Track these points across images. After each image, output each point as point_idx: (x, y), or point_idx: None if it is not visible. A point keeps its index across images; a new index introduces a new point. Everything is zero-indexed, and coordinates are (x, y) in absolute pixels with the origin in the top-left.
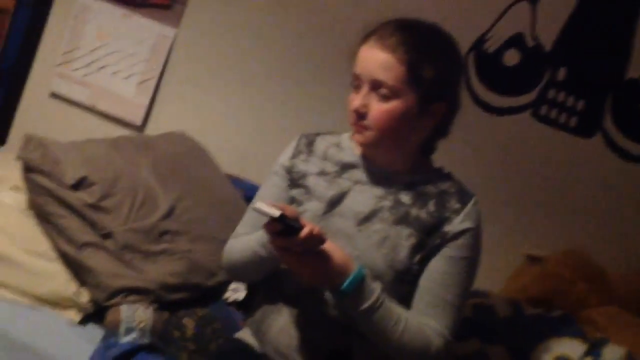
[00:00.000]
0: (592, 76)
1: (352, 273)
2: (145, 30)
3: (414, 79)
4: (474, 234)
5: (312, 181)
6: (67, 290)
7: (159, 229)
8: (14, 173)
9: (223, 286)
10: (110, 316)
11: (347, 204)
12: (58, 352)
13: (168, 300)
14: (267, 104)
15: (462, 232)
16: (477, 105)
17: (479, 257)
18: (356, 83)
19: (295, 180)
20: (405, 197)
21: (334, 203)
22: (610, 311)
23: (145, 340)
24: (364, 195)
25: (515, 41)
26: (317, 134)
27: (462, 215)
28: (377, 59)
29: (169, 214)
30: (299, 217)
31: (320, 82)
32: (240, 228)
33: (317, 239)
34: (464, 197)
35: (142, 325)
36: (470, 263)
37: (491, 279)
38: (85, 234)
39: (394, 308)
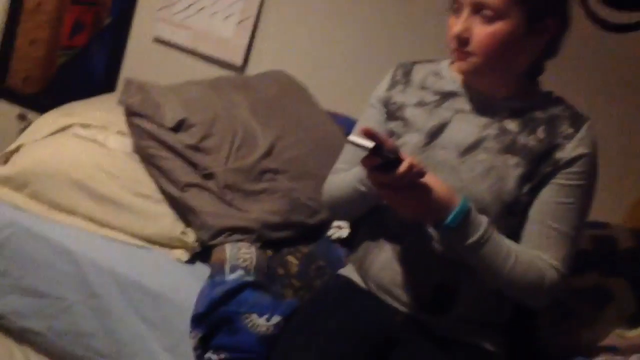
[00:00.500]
0: None
1: (456, 207)
2: None
3: None
4: (589, 160)
5: (410, 112)
6: (174, 231)
7: (260, 168)
8: (119, 118)
9: (326, 224)
10: (215, 255)
11: (449, 134)
12: (167, 289)
13: (271, 239)
14: (366, 35)
15: (576, 159)
16: (590, 21)
17: (595, 184)
18: (455, 6)
19: (392, 112)
20: (512, 124)
21: (435, 134)
22: None
23: (250, 278)
24: (467, 125)
25: None
26: (414, 63)
27: (575, 140)
28: None
29: (268, 152)
30: (397, 150)
31: (418, 7)
32: (339, 163)
33: (416, 172)
34: (577, 121)
35: (246, 263)
36: (585, 191)
37: (612, 210)
38: (188, 175)
39: (503, 241)
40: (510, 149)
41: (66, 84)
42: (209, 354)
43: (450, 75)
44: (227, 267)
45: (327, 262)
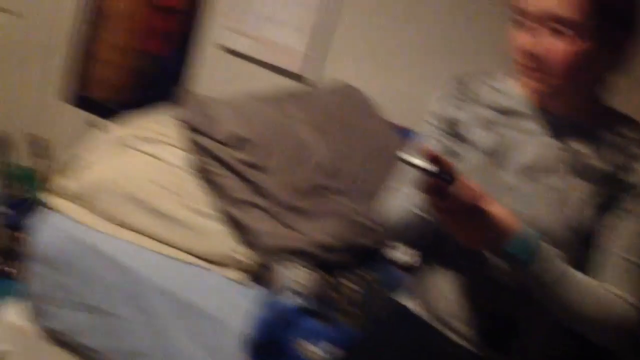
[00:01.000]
0: None
1: (518, 234)
2: None
3: (601, 8)
4: None
5: (470, 130)
6: (228, 249)
7: (318, 187)
8: (178, 131)
9: (385, 246)
10: (269, 277)
11: (512, 155)
12: (221, 311)
13: (328, 261)
14: (433, 48)
15: None
16: None
17: None
18: (522, 20)
19: (449, 129)
20: (581, 146)
21: (497, 155)
22: None
23: (305, 301)
24: (532, 145)
25: None
26: (474, 77)
27: None
28: None
29: (328, 170)
30: (456, 171)
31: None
32: (395, 182)
33: (474, 194)
34: None
35: (301, 286)
36: None
37: None
38: (243, 193)
39: (571, 272)
40: (579, 172)
41: (138, 90)
42: None
43: (513, 92)
44: (281, 290)
45: (386, 288)
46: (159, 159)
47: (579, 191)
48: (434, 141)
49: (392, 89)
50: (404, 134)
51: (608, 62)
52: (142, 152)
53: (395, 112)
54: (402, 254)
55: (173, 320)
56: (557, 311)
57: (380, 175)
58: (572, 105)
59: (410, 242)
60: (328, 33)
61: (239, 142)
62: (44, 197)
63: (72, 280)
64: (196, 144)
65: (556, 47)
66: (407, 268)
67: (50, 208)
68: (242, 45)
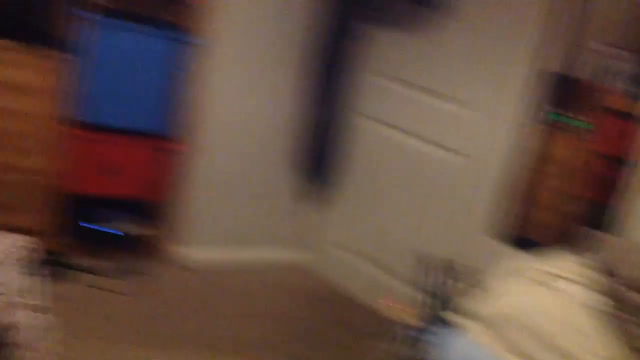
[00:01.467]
0: None
1: None
2: None
3: None
4: None
5: None
6: None
7: None
8: (587, 271)
9: None
10: None
11: None
12: None
13: None
14: None
15: None
16: None
17: None
18: None
19: None
20: None
21: None
22: None
23: None
24: None
25: None
26: None
27: None
28: None
29: None
30: None
31: None
32: None
33: None
34: None
35: None
36: None
37: None
38: None
39: None
40: None
41: (563, 231)
42: None
43: None
44: None
45: None
46: (568, 298)
47: None
48: None
49: None
50: None
51: None
52: (553, 289)
53: None
54: None
55: None
56: None
57: None
58: None
59: None
60: None
61: None
62: (451, 316)
63: None
64: (607, 286)
65: None
66: None
67: (457, 327)
68: None
